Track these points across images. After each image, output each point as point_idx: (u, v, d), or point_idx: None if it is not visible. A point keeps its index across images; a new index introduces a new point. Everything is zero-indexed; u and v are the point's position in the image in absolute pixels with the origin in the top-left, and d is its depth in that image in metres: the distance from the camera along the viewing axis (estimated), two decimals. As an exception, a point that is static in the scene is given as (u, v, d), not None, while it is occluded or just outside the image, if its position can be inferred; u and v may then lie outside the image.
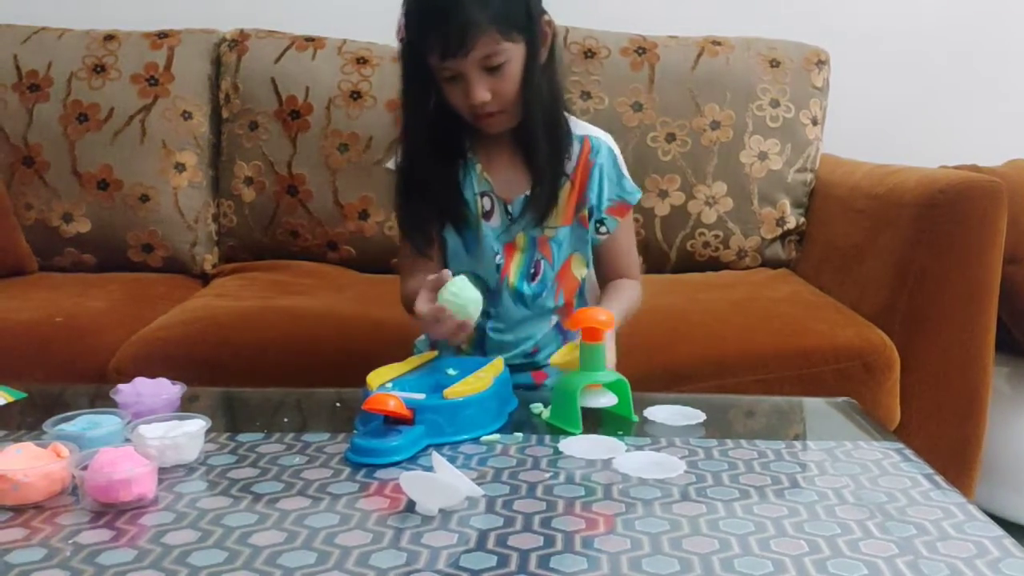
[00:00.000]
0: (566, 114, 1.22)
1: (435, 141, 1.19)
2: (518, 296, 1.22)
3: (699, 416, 1.02)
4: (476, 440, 0.94)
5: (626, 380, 1.02)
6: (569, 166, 1.20)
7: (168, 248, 1.95)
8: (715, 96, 1.95)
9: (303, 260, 1.97)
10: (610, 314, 1.00)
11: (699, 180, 1.94)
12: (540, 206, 1.18)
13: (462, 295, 1.01)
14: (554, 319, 1.25)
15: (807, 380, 1.42)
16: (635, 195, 1.24)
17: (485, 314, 1.18)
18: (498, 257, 1.21)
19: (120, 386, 1.01)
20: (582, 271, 1.25)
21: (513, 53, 1.11)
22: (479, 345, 1.22)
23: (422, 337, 1.33)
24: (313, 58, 1.97)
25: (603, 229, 1.23)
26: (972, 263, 1.48)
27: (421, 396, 0.95)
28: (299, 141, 1.94)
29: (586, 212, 1.21)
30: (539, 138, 1.17)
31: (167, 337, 1.46)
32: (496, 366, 1.04)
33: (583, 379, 0.98)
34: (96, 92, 1.94)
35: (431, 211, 1.21)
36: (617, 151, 1.24)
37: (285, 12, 2.16)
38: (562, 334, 1.26)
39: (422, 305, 1.04)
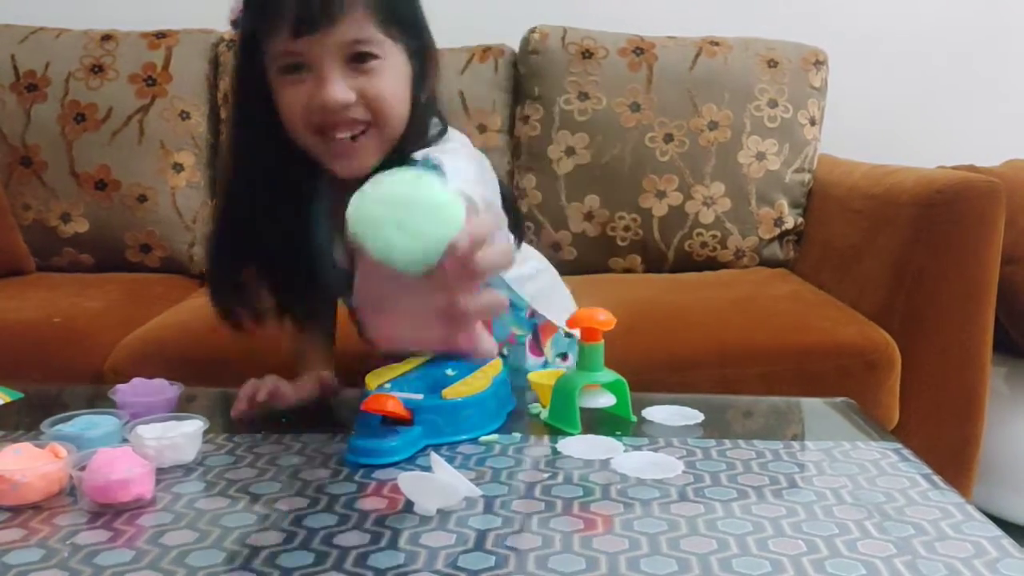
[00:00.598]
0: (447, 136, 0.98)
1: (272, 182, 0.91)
2: None
3: (697, 416, 1.02)
4: (474, 440, 0.94)
5: (624, 380, 1.01)
6: None
7: (166, 248, 1.95)
8: (713, 96, 1.95)
9: (301, 260, 1.96)
10: (609, 313, 0.99)
11: (697, 180, 1.94)
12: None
13: None
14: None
15: (808, 376, 1.42)
16: None
17: None
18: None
19: (117, 386, 1.01)
20: None
21: (389, 52, 0.88)
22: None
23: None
24: (311, 58, 1.97)
25: None
26: (970, 263, 1.49)
27: (419, 396, 0.94)
28: (297, 141, 1.94)
29: None
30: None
31: (165, 337, 1.46)
32: (495, 366, 1.04)
33: (582, 379, 0.98)
34: (94, 92, 1.94)
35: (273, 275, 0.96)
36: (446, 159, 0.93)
37: (283, 12, 2.16)
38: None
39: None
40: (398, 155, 0.88)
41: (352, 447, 0.89)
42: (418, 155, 0.89)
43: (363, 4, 0.85)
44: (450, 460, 0.85)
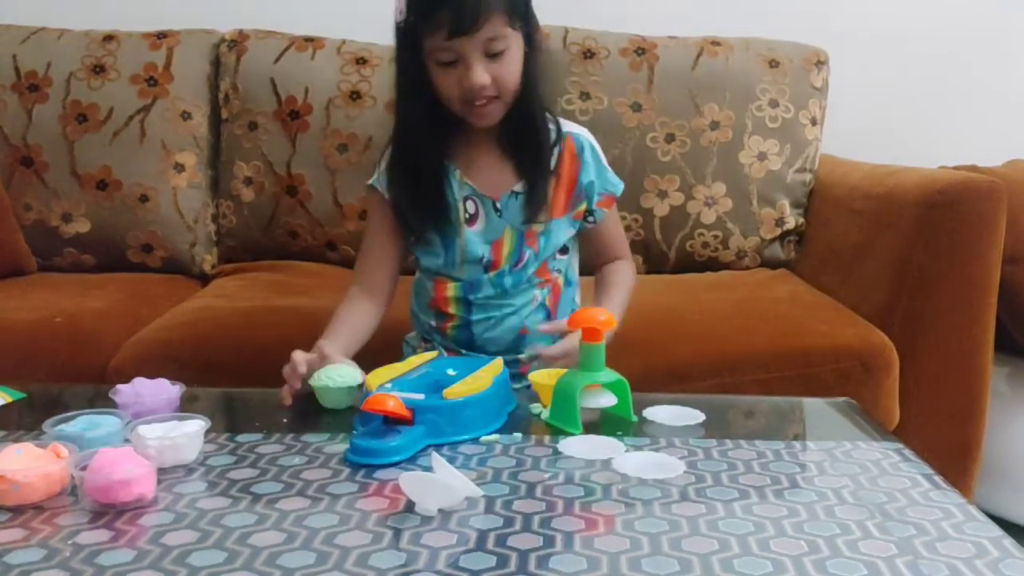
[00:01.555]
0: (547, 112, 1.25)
1: (423, 142, 1.21)
2: (498, 283, 1.24)
3: (698, 416, 1.02)
4: (475, 440, 0.94)
5: (626, 380, 1.02)
6: (553, 161, 1.23)
7: (167, 248, 1.95)
8: (714, 96, 1.95)
9: (302, 261, 1.97)
10: (610, 314, 1.00)
11: (698, 180, 1.94)
12: (533, 202, 1.22)
13: (339, 381, 1.03)
14: (538, 296, 1.27)
15: (807, 380, 1.42)
16: (619, 186, 1.28)
17: (466, 306, 1.24)
18: (484, 259, 1.24)
19: (119, 386, 1.01)
20: (565, 259, 1.30)
21: (514, 41, 1.14)
22: (465, 336, 1.26)
23: (412, 334, 1.34)
24: (312, 58, 1.97)
25: (591, 219, 1.28)
26: (971, 263, 1.48)
27: (420, 396, 0.95)
28: (298, 141, 1.94)
29: (582, 208, 1.26)
30: (528, 134, 1.20)
31: (167, 338, 1.46)
32: (496, 366, 1.04)
33: (583, 379, 0.98)
34: (95, 92, 1.94)
35: (413, 211, 1.24)
36: (596, 145, 1.28)
37: (284, 12, 2.16)
38: (546, 313, 1.29)
39: (298, 355, 1.08)
40: (521, 111, 1.19)
41: (353, 447, 0.89)
42: (568, 126, 1.25)
43: (497, 8, 1.10)
44: (451, 460, 0.85)
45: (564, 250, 1.29)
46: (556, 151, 1.24)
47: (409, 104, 1.21)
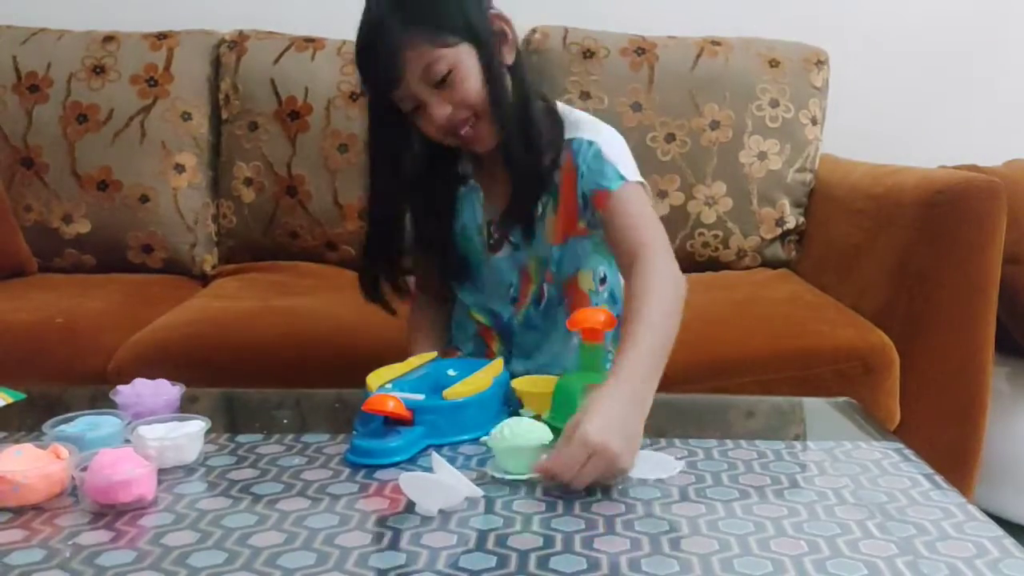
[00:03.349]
0: (560, 111, 1.14)
1: (427, 175, 1.15)
2: (527, 324, 1.19)
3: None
4: (476, 441, 0.94)
5: None
6: (557, 176, 1.12)
7: (168, 249, 1.95)
8: (714, 96, 1.95)
9: (303, 261, 1.97)
10: (609, 314, 0.98)
11: (698, 180, 1.94)
12: (517, 218, 1.13)
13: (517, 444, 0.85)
14: (576, 338, 1.11)
15: (806, 381, 1.42)
16: (614, 181, 1.08)
17: (507, 339, 1.20)
18: (512, 289, 1.19)
19: (119, 387, 1.01)
20: (590, 285, 1.17)
21: (456, 57, 1.03)
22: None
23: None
24: (312, 59, 1.97)
25: (592, 228, 1.14)
26: (972, 263, 1.48)
27: (420, 397, 0.95)
28: (298, 142, 1.94)
29: (583, 224, 1.13)
30: (513, 142, 1.08)
31: (167, 338, 1.46)
32: (496, 367, 1.04)
33: (583, 379, 0.98)
34: (95, 93, 1.94)
35: (428, 253, 1.19)
36: (603, 142, 1.11)
37: (284, 13, 2.16)
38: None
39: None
40: (519, 121, 1.08)
41: (353, 448, 0.89)
42: (571, 133, 1.11)
43: (410, 40, 1.01)
44: (451, 460, 0.85)
45: (604, 280, 1.18)
46: (561, 163, 1.11)
47: (386, 155, 1.12)
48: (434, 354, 1.13)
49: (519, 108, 1.09)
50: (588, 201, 1.11)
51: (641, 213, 1.09)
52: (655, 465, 0.87)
